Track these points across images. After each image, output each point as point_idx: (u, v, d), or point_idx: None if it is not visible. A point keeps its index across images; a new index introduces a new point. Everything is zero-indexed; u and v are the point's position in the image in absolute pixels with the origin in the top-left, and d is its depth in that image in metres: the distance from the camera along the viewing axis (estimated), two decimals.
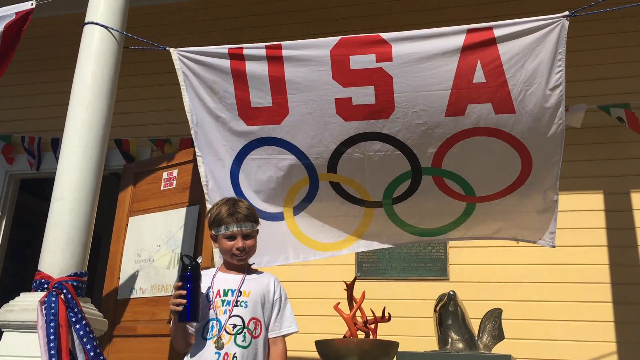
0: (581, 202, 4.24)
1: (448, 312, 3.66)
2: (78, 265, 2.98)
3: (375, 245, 3.53)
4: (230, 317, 2.23)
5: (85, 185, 3.10)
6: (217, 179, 3.52)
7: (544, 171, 3.17)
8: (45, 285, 2.87)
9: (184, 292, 2.15)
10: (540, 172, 3.19)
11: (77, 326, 2.78)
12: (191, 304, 2.15)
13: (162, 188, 4.77)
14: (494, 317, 3.71)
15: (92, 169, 3.14)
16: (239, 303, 2.25)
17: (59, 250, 2.96)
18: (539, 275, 4.16)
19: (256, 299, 2.30)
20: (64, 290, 2.83)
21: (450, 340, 3.65)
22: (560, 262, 3.96)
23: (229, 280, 2.34)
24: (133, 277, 4.60)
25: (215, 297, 2.27)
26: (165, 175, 4.79)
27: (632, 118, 4.15)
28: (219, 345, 2.17)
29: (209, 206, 3.48)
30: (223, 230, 2.34)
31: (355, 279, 2.90)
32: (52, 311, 2.73)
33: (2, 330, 2.86)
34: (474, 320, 3.78)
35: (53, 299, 2.78)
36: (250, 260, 3.56)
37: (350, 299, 2.77)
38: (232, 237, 2.34)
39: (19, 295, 2.98)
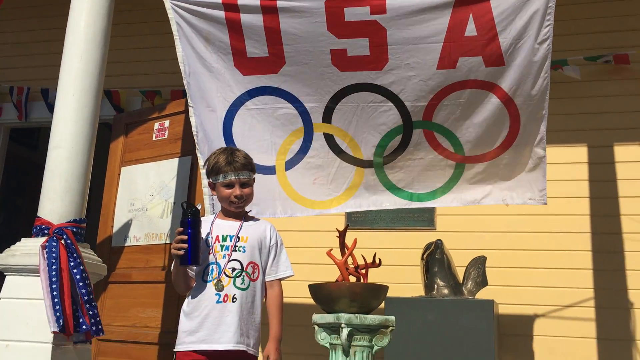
0: (566, 155, 4.35)
1: (434, 259, 3.81)
2: (77, 212, 3.05)
3: (364, 207, 3.58)
4: (229, 261, 2.32)
5: (81, 134, 3.14)
6: (208, 130, 3.55)
7: (531, 128, 3.23)
8: (46, 231, 2.94)
9: (185, 237, 2.23)
10: (527, 129, 3.25)
11: (75, 270, 2.87)
12: (192, 248, 2.24)
13: (153, 139, 4.80)
14: (479, 264, 3.87)
15: (87, 118, 3.18)
16: (237, 248, 2.34)
17: (58, 198, 3.03)
18: (523, 225, 4.29)
19: (253, 244, 2.38)
20: (64, 236, 2.91)
21: (436, 286, 3.81)
22: (544, 213, 4.07)
23: (227, 226, 2.41)
24: (127, 226, 4.68)
25: (215, 243, 2.36)
26: (156, 125, 4.81)
27: (621, 57, 4.26)
28: (219, 287, 2.26)
29: (199, 156, 3.54)
30: (221, 178, 2.40)
31: (347, 226, 2.99)
32: (54, 255, 2.82)
33: (5, 273, 2.94)
34: (460, 268, 3.94)
35: (54, 244, 2.86)
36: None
37: (342, 245, 2.86)
38: (230, 185, 2.40)
39: (13, 242, 3.06)
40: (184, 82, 3.49)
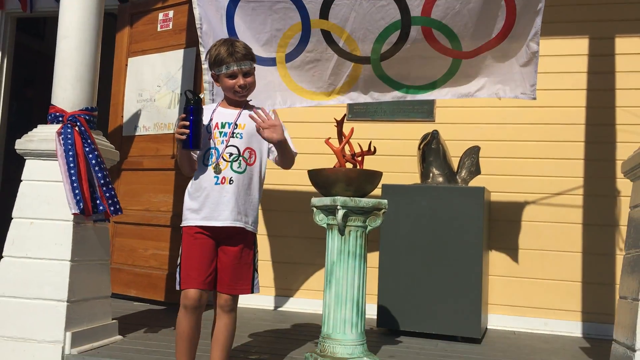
0: (566, 46, 4.38)
1: (430, 149, 3.98)
2: (88, 100, 3.20)
3: (362, 99, 3.71)
4: (227, 147, 2.46)
5: (87, 23, 3.21)
6: (212, 22, 3.60)
7: (527, 21, 3.25)
8: (60, 118, 3.10)
9: (187, 123, 2.38)
10: (522, 22, 3.27)
11: (90, 156, 3.06)
12: (193, 134, 2.39)
13: (158, 29, 4.84)
14: (473, 154, 4.04)
15: (92, 7, 3.23)
16: (234, 135, 2.47)
17: (70, 86, 3.16)
18: (519, 117, 4.41)
19: (251, 131, 2.49)
20: (78, 123, 3.07)
21: (431, 175, 4.00)
22: (541, 105, 4.16)
23: (227, 114, 2.53)
24: (136, 116, 4.84)
25: (214, 129, 2.49)
26: (161, 16, 4.84)
27: None
28: (217, 170, 2.43)
29: (202, 49, 3.62)
30: (224, 69, 2.48)
31: (344, 115, 3.13)
32: (69, 141, 3.00)
33: (25, 158, 3.14)
34: (455, 158, 4.11)
35: (69, 130, 3.03)
36: None
37: (340, 134, 3.01)
38: (233, 76, 2.48)
39: (26, 130, 3.23)
40: None
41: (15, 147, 3.14)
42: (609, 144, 4.29)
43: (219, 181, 2.43)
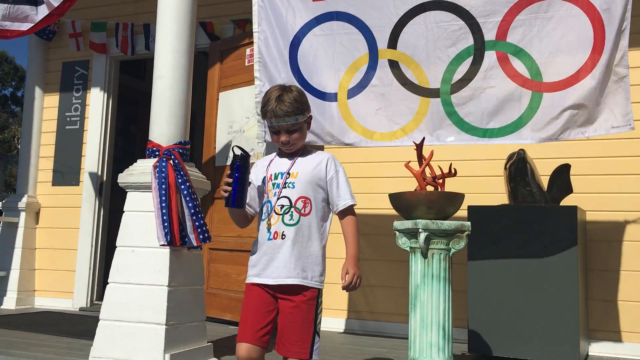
0: None
1: (518, 168, 3.88)
2: (181, 134, 3.42)
3: (427, 141, 3.26)
4: (279, 198, 2.29)
5: (180, 64, 3.45)
6: (273, 55, 3.64)
7: (614, 44, 2.98)
8: (156, 152, 3.34)
9: (230, 180, 2.25)
10: (610, 46, 2.98)
11: (182, 187, 3.26)
12: (236, 191, 2.25)
13: (246, 64, 5.08)
14: (564, 172, 3.91)
15: (184, 49, 3.47)
16: (287, 185, 2.30)
17: (164, 122, 3.40)
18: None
19: (304, 178, 2.31)
20: (172, 157, 3.29)
21: (520, 194, 3.91)
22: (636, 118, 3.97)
23: (281, 164, 2.37)
24: (227, 147, 5.08)
25: (268, 182, 2.35)
26: (248, 51, 5.07)
27: None
28: (269, 225, 2.28)
29: (256, 83, 3.67)
30: (267, 123, 2.36)
31: (423, 139, 3.11)
32: (163, 174, 3.21)
33: (127, 190, 3.39)
34: (544, 177, 3.99)
35: (163, 164, 3.25)
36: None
37: (420, 157, 3.02)
38: (276, 132, 2.34)
39: (130, 164, 3.49)
40: (254, 7, 3.62)
41: (118, 180, 3.41)
42: None
43: (272, 236, 2.27)
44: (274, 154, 2.47)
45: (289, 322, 2.24)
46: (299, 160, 2.37)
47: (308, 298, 2.27)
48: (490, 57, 3.19)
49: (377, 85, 3.44)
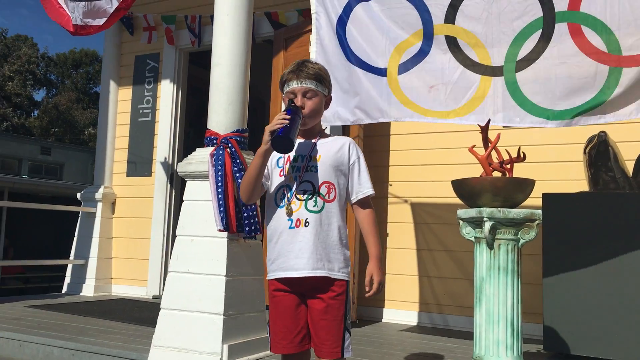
0: None
1: (598, 153, 3.58)
2: (239, 122, 3.37)
3: (479, 122, 3.00)
4: (300, 182, 2.10)
5: (237, 49, 3.40)
6: (327, 33, 3.58)
7: None
8: (214, 141, 3.31)
9: (288, 116, 2.03)
10: None
11: (237, 175, 3.20)
12: (290, 126, 2.01)
13: (310, 51, 4.97)
14: None
15: (241, 33, 3.42)
16: (309, 168, 2.11)
17: (222, 110, 3.36)
18: None
19: (327, 162, 2.13)
20: (229, 145, 3.24)
21: (601, 180, 3.60)
22: None
23: (300, 146, 2.15)
24: None
25: (286, 164, 2.13)
26: (311, 38, 4.97)
27: None
28: (290, 212, 2.08)
29: None
30: (285, 88, 2.17)
31: (489, 121, 2.89)
32: (220, 162, 3.17)
33: (186, 179, 3.39)
34: (629, 162, 3.66)
35: (220, 152, 3.21)
36: (352, 114, 3.51)
37: (485, 140, 2.82)
38: (292, 95, 2.15)
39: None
40: None
41: (177, 169, 3.40)
42: None
43: (294, 224, 2.07)
44: None
45: (319, 321, 2.08)
46: (320, 142, 2.17)
47: (337, 294, 2.09)
48: (561, 29, 2.91)
49: (431, 62, 3.23)
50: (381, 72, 3.39)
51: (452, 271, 4.58)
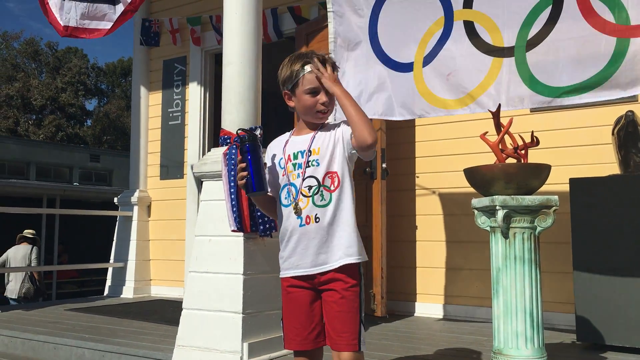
0: None
1: (628, 133, 3.43)
2: (251, 120, 3.36)
3: (490, 105, 3.00)
4: (304, 179, 2.06)
5: (247, 48, 3.39)
6: (349, 34, 3.53)
7: None
8: (228, 140, 3.30)
9: (244, 165, 2.06)
10: None
11: None
12: (254, 174, 2.05)
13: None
14: None
15: (250, 31, 3.41)
16: (310, 163, 2.06)
17: (234, 110, 3.36)
18: None
19: (326, 151, 2.07)
20: None
21: (632, 162, 3.45)
22: None
23: (300, 142, 2.12)
24: None
25: (287, 163, 2.10)
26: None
27: None
28: (298, 210, 2.05)
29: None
30: (302, 71, 2.05)
31: (499, 105, 2.79)
32: (233, 162, 3.17)
33: (202, 180, 3.40)
34: None
35: (233, 151, 3.21)
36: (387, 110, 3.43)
37: (498, 126, 2.72)
38: (314, 92, 2.05)
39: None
40: None
41: (192, 170, 3.43)
42: None
43: (304, 222, 2.04)
44: (288, 133, 2.21)
45: (335, 313, 2.03)
46: (319, 134, 2.10)
47: (351, 285, 2.04)
48: (570, 4, 2.80)
49: (449, 48, 3.17)
50: (407, 67, 3.34)
51: (483, 262, 4.46)
